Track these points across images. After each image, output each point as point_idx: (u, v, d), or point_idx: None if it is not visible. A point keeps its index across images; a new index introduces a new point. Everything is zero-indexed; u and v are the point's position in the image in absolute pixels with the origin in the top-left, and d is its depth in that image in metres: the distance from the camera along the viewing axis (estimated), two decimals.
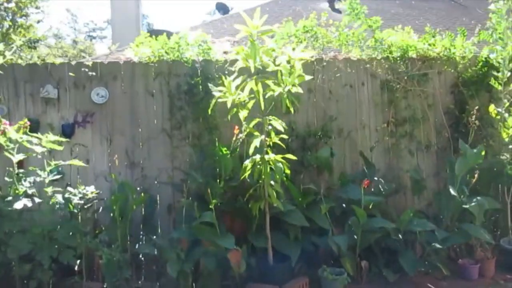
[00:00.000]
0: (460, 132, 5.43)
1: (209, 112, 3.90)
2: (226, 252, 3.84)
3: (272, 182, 3.91)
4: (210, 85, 4.57)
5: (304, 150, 5.11)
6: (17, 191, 3.80)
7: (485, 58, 5.37)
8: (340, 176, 4.93)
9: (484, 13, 8.99)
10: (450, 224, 4.61)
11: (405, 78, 5.35)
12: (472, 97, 5.40)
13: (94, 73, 4.86)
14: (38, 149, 3.89)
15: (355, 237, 4.26)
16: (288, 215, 4.10)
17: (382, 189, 4.97)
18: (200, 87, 4.92)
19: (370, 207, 4.63)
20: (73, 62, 4.91)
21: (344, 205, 4.58)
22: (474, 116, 4.91)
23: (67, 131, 4.79)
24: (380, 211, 4.70)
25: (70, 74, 4.80)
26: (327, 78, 5.30)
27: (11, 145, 3.89)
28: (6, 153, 3.92)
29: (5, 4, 10.73)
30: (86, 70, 4.86)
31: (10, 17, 11.09)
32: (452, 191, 4.37)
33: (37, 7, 11.99)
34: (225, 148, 4.31)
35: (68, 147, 4.77)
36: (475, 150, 4.40)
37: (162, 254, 3.97)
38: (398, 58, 5.38)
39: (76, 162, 4.08)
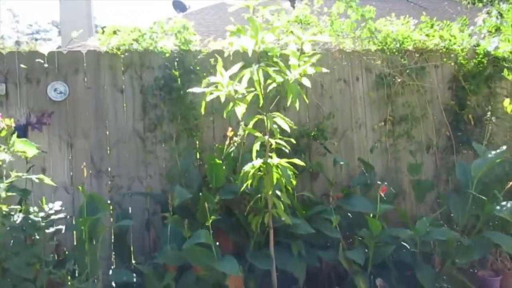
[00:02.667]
0: (460, 129, 5.04)
1: (202, 111, 3.19)
2: (224, 279, 3.17)
3: (278, 192, 3.28)
4: (192, 76, 3.91)
5: (297, 152, 4.51)
6: None
7: (486, 50, 5.00)
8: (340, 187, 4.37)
9: (442, 13, 8.82)
10: (465, 231, 4.15)
11: (403, 72, 4.88)
12: (473, 92, 5.01)
13: (50, 65, 4.06)
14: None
15: (366, 250, 3.70)
16: (295, 228, 3.47)
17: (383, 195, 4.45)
18: (179, 81, 4.23)
19: (375, 215, 4.12)
20: (25, 52, 4.07)
21: (350, 215, 4.02)
22: (489, 112, 4.48)
23: (18, 135, 3.94)
24: (385, 220, 4.19)
25: (22, 66, 3.97)
26: (319, 72, 4.71)
27: None
28: None
29: None
30: (41, 61, 4.05)
31: None
32: (474, 194, 3.91)
33: None
34: (216, 157, 3.64)
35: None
36: (497, 151, 3.95)
37: (146, 284, 3.24)
38: (395, 50, 4.90)
39: (46, 180, 3.25)
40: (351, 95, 4.85)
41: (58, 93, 4.09)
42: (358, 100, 4.87)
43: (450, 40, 4.93)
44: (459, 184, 4.37)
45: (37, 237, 2.96)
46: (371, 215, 3.67)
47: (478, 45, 5.06)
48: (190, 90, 3.31)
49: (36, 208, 3.18)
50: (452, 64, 5.02)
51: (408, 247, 3.88)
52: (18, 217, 2.95)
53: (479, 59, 5.01)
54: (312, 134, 4.56)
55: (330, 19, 4.82)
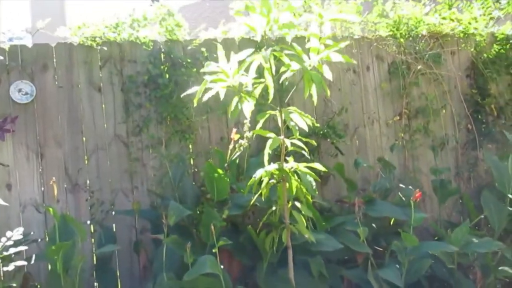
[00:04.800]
0: (482, 121, 4.53)
1: (195, 103, 2.58)
2: None
3: (297, 203, 2.69)
4: (182, 70, 3.30)
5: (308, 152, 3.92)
6: None
7: (506, 34, 4.50)
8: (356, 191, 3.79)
9: None
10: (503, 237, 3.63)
11: (419, 59, 4.34)
12: (494, 80, 4.50)
13: (13, 62, 3.40)
14: None
15: (398, 266, 3.14)
16: (319, 246, 2.88)
17: (403, 198, 3.89)
18: (167, 76, 3.61)
19: (391, 222, 3.57)
20: None
21: (374, 225, 3.45)
22: None
23: None
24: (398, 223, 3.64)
25: None
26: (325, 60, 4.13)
27: None
28: None
29: None
30: (1, 57, 3.39)
31: None
32: None
33: None
34: (219, 169, 3.02)
35: None
36: None
37: None
38: (409, 36, 4.35)
39: None
40: (361, 86, 4.29)
41: (23, 94, 3.43)
42: (370, 92, 4.31)
43: (469, 23, 4.40)
44: (492, 183, 3.84)
45: None
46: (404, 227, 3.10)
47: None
48: (188, 92, 2.69)
49: None
50: (472, 50, 4.50)
51: (443, 259, 3.31)
52: None
53: (501, 44, 4.50)
54: (322, 132, 3.97)
55: (336, 1, 4.24)
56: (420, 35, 4.40)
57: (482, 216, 3.87)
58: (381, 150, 4.27)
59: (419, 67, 4.31)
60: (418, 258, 3.14)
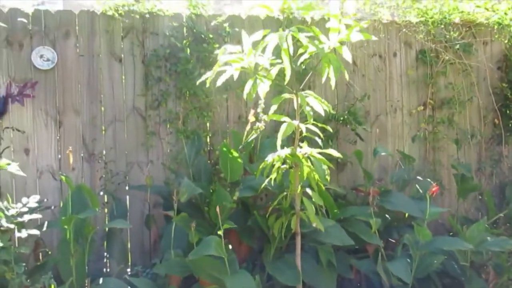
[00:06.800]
0: (509, 117, 4.38)
1: (207, 83, 2.53)
2: None
3: (308, 190, 2.64)
4: (204, 46, 3.24)
5: (322, 139, 3.85)
6: None
7: None
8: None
9: None
10: None
11: (449, 48, 4.18)
12: None
13: (36, 27, 3.40)
14: None
15: (408, 260, 3.08)
16: (327, 237, 2.84)
17: (420, 190, 3.81)
18: (188, 51, 3.56)
19: (406, 215, 3.50)
20: (5, 9, 3.40)
21: (387, 216, 3.39)
22: None
23: None
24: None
25: (1, 24, 3.30)
26: (351, 44, 4.02)
27: None
28: None
29: None
30: (24, 21, 3.38)
31: None
32: None
33: None
34: (234, 150, 2.98)
35: None
36: None
37: None
38: (440, 23, 4.19)
39: (10, 166, 2.58)
40: (386, 73, 4.18)
41: (45, 61, 3.43)
42: (394, 80, 4.19)
43: (505, 14, 4.21)
44: None
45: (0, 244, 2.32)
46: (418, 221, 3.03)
47: None
48: (204, 77, 2.62)
49: (5, 203, 2.54)
50: (506, 41, 4.32)
51: (456, 256, 3.24)
52: None
53: None
54: (342, 118, 3.89)
55: None
56: (452, 23, 4.23)
57: (502, 215, 3.77)
58: (402, 140, 4.18)
59: (447, 57, 4.16)
60: (430, 253, 3.08)
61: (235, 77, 2.57)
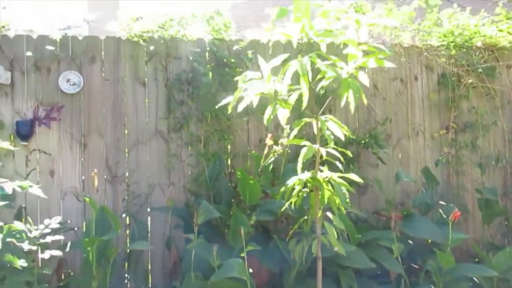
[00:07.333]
0: None
1: (229, 109, 2.56)
2: None
3: (329, 215, 2.63)
4: (226, 70, 3.29)
5: (343, 163, 3.83)
6: None
7: None
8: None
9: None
10: None
11: (471, 71, 4.16)
12: None
13: (62, 52, 3.51)
14: None
15: (432, 287, 3.02)
16: (348, 261, 2.81)
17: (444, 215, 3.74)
18: (210, 75, 3.62)
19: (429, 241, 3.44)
20: (34, 35, 3.52)
21: (410, 241, 3.34)
22: None
23: (24, 131, 3.42)
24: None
25: (29, 53, 3.42)
26: (371, 68, 4.02)
27: None
28: None
29: None
30: (52, 47, 3.50)
31: None
32: None
33: None
34: (249, 177, 3.01)
35: (23, 154, 3.42)
36: None
37: None
38: (462, 46, 4.18)
39: (32, 188, 2.62)
40: (408, 96, 4.16)
41: (71, 85, 3.54)
42: (416, 103, 4.17)
43: None
44: None
45: (25, 264, 2.36)
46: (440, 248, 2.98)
47: None
48: (224, 101, 2.67)
49: (29, 226, 2.60)
50: None
51: (482, 284, 3.16)
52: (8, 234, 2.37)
53: None
54: (363, 141, 3.88)
55: (386, 7, 4.12)
56: (474, 47, 4.22)
57: None
58: (424, 163, 4.11)
59: (470, 81, 4.14)
60: (454, 280, 3.01)
61: (255, 103, 2.59)
